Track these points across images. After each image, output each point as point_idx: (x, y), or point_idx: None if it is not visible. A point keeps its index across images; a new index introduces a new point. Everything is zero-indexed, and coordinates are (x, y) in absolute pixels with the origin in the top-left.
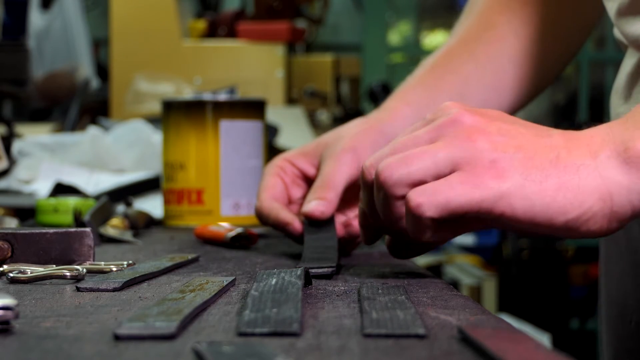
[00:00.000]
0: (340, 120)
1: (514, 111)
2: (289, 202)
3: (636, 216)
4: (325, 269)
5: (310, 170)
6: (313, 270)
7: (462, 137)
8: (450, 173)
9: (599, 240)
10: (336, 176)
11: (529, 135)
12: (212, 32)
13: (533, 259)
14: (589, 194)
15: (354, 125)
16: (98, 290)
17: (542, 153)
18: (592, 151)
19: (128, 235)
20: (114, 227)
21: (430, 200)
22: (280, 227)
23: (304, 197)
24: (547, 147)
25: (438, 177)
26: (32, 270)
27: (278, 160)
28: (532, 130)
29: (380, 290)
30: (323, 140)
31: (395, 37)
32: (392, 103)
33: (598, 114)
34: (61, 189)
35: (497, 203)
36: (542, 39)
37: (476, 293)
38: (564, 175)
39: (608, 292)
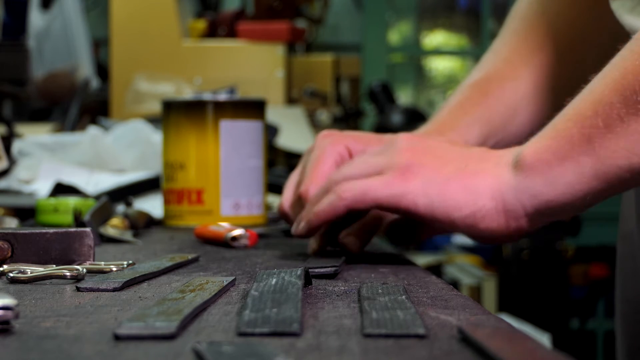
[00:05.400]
0: (340, 120)
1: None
2: None
3: (533, 217)
4: (328, 269)
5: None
6: (316, 270)
7: (392, 151)
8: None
9: (617, 239)
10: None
11: (452, 149)
12: (212, 32)
13: (533, 259)
14: (482, 193)
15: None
16: (98, 290)
17: (455, 162)
18: (497, 161)
19: (128, 235)
20: (114, 227)
21: (352, 188)
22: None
23: None
24: (461, 158)
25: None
26: (32, 270)
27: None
28: (459, 147)
29: (380, 290)
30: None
31: (395, 37)
32: (449, 135)
33: None
34: (61, 189)
35: (402, 199)
36: (582, 62)
37: (476, 293)
38: (464, 179)
39: (623, 290)
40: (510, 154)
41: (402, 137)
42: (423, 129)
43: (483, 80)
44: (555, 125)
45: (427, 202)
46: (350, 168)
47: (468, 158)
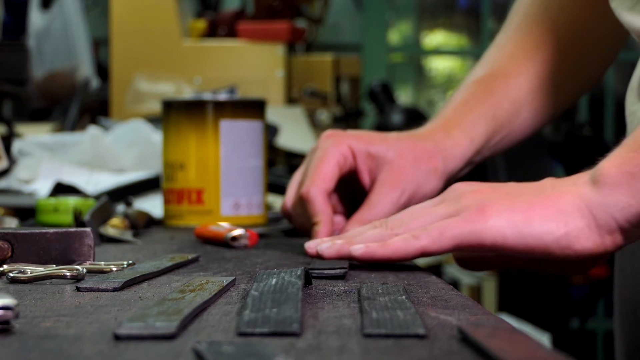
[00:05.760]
0: (340, 120)
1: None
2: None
3: (628, 229)
4: (337, 270)
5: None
6: (325, 272)
7: (456, 197)
8: None
9: None
10: (380, 207)
11: (518, 185)
12: (212, 32)
13: None
14: (570, 212)
15: (411, 147)
16: (98, 290)
17: (529, 192)
18: (574, 182)
19: (128, 235)
20: (114, 227)
21: (428, 233)
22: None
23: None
24: (534, 187)
25: None
26: (32, 270)
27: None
28: (524, 183)
29: (380, 290)
30: (388, 151)
31: (395, 37)
32: (455, 132)
33: (598, 113)
34: (61, 189)
35: (485, 233)
36: (584, 58)
37: (476, 293)
38: (547, 203)
39: (622, 289)
40: (584, 174)
41: (460, 183)
42: (429, 126)
43: (488, 76)
44: (635, 138)
45: (514, 232)
46: (413, 217)
47: (540, 186)
